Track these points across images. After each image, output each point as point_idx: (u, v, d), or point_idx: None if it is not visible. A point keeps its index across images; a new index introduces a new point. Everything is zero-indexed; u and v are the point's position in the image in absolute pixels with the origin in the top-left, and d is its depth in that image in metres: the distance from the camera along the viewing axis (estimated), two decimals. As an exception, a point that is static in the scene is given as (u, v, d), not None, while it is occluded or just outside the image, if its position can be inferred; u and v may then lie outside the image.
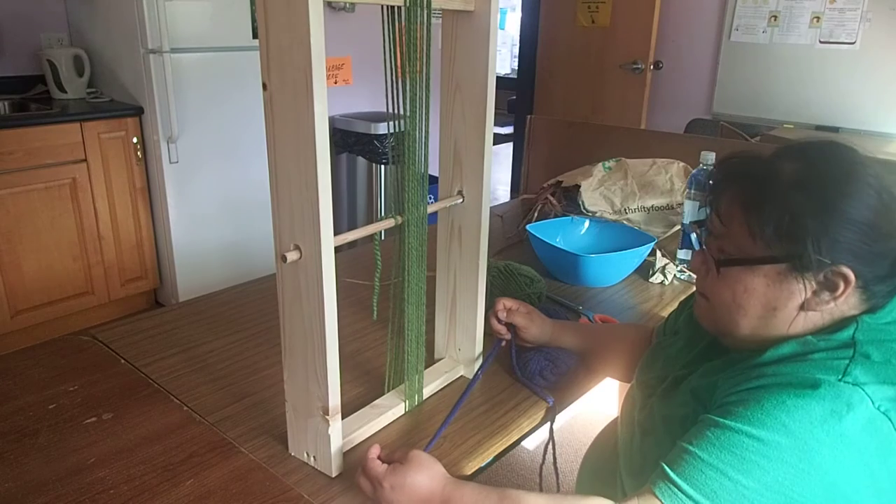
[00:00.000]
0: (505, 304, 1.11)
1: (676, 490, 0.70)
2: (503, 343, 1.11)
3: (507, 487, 0.77)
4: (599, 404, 2.38)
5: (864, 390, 0.68)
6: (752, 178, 0.78)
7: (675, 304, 1.40)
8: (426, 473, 0.78)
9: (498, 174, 5.86)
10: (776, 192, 0.75)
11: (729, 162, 0.83)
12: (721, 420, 0.71)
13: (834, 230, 0.72)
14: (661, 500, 0.71)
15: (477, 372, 1.08)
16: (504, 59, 9.02)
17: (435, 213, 1.00)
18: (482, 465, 0.94)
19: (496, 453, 0.96)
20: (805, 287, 0.74)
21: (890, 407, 0.68)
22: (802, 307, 0.75)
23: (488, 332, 1.11)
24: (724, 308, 0.81)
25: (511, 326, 1.11)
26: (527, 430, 1.01)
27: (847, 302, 0.75)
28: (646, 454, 0.85)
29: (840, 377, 0.69)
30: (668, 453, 0.75)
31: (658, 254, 1.56)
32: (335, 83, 3.66)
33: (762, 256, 0.76)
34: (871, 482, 0.68)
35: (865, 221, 0.72)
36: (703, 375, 0.82)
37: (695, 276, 0.89)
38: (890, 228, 0.74)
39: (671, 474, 0.71)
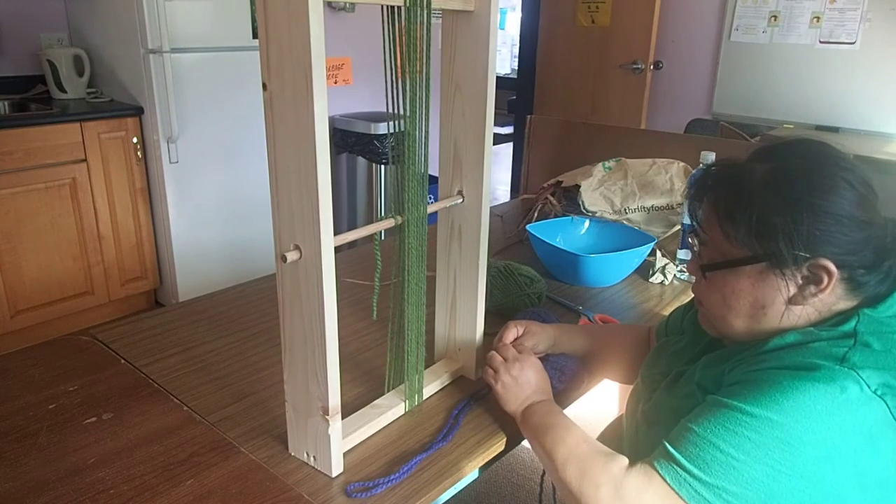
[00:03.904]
0: (508, 338, 1.07)
1: (672, 462, 0.74)
2: None
3: (570, 421, 0.89)
4: (599, 404, 2.38)
5: (859, 374, 0.69)
6: (725, 183, 0.81)
7: (675, 304, 1.41)
8: (545, 376, 1.01)
9: (498, 174, 5.86)
10: (746, 194, 0.77)
11: (707, 171, 0.85)
12: (720, 399, 0.74)
13: (808, 224, 0.73)
14: (658, 471, 0.74)
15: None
16: (504, 59, 9.02)
17: (435, 213, 1.00)
18: (482, 464, 0.94)
19: (496, 453, 0.96)
20: (788, 283, 0.76)
21: (887, 391, 0.69)
22: (790, 302, 0.77)
23: (488, 333, 1.11)
24: (717, 311, 0.83)
25: None
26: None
27: (834, 293, 0.76)
28: (653, 444, 0.86)
29: (839, 363, 0.71)
30: None
31: (658, 254, 1.56)
32: (335, 83, 3.66)
33: (741, 258, 0.78)
34: (860, 464, 0.69)
35: (841, 212, 0.73)
36: (707, 366, 0.84)
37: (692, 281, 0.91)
38: (868, 217, 0.75)
39: (669, 448, 0.75)
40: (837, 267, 0.74)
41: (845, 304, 0.77)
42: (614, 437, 1.11)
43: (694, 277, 0.89)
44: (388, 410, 0.98)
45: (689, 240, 0.90)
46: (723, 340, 0.87)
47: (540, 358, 1.10)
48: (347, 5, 3.62)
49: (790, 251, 0.74)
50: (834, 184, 0.74)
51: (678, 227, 1.73)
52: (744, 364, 0.77)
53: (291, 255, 0.78)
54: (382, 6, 0.83)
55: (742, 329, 0.81)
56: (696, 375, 0.84)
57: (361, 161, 3.53)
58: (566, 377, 1.09)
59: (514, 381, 0.97)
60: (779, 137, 2.97)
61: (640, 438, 0.91)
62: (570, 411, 1.00)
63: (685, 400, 0.83)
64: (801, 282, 0.76)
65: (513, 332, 1.08)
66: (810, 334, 0.76)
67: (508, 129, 6.37)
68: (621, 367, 1.13)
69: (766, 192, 0.76)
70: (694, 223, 0.86)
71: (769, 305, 0.78)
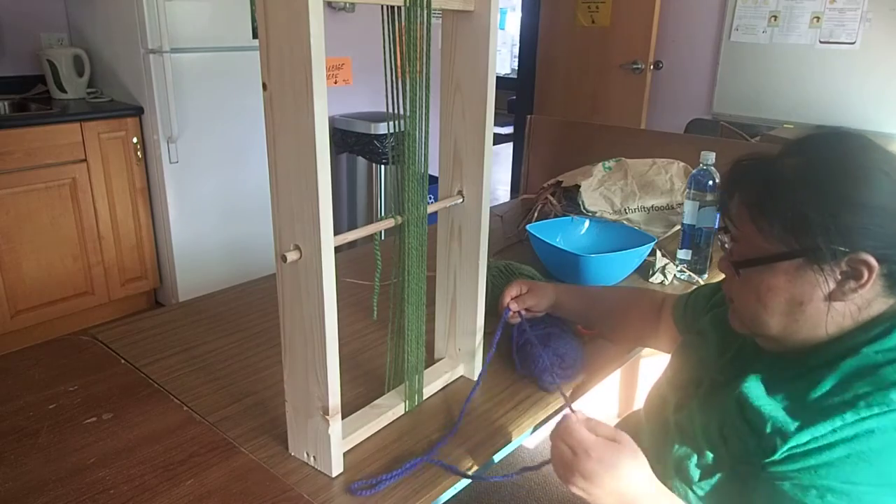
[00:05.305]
0: (511, 294, 1.13)
1: None
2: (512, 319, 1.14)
3: None
4: (599, 404, 2.38)
5: None
6: (756, 178, 0.78)
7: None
8: (639, 466, 0.75)
9: (498, 174, 5.86)
10: (779, 189, 0.74)
11: (736, 165, 0.82)
12: (830, 484, 0.67)
13: (844, 218, 0.70)
14: None
15: (491, 349, 1.09)
16: (504, 59, 9.02)
17: (435, 213, 1.00)
18: (483, 464, 0.94)
19: (496, 453, 0.96)
20: (827, 278, 0.72)
21: None
22: (828, 298, 0.73)
23: (489, 332, 1.11)
24: (751, 309, 0.79)
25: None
26: (527, 429, 1.01)
27: (873, 289, 0.72)
28: (683, 459, 0.83)
29: None
30: (702, 462, 0.75)
31: (658, 254, 1.56)
32: (335, 83, 3.66)
33: (777, 254, 0.75)
34: None
35: (879, 205, 0.70)
36: (752, 392, 0.78)
37: (723, 278, 0.88)
38: None
39: None
40: (878, 261, 0.70)
41: (883, 300, 0.74)
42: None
43: (725, 275, 0.85)
44: (388, 410, 0.98)
45: (720, 236, 0.88)
46: (756, 342, 0.83)
47: (541, 343, 1.09)
48: (347, 5, 3.62)
49: (828, 245, 0.70)
50: (870, 175, 0.71)
51: (678, 227, 1.73)
52: (812, 415, 0.70)
53: (291, 255, 0.78)
54: (382, 6, 0.83)
55: (777, 329, 0.78)
56: (740, 397, 0.79)
57: (361, 161, 3.53)
58: (567, 364, 1.08)
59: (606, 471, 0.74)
60: (781, 138, 2.96)
61: (668, 445, 0.87)
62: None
63: (721, 415, 0.80)
64: (839, 277, 0.72)
65: (516, 289, 1.11)
66: (867, 357, 0.71)
67: (508, 129, 6.37)
68: (630, 332, 1.13)
69: (801, 185, 0.73)
70: (725, 219, 0.82)
71: (807, 302, 0.74)
